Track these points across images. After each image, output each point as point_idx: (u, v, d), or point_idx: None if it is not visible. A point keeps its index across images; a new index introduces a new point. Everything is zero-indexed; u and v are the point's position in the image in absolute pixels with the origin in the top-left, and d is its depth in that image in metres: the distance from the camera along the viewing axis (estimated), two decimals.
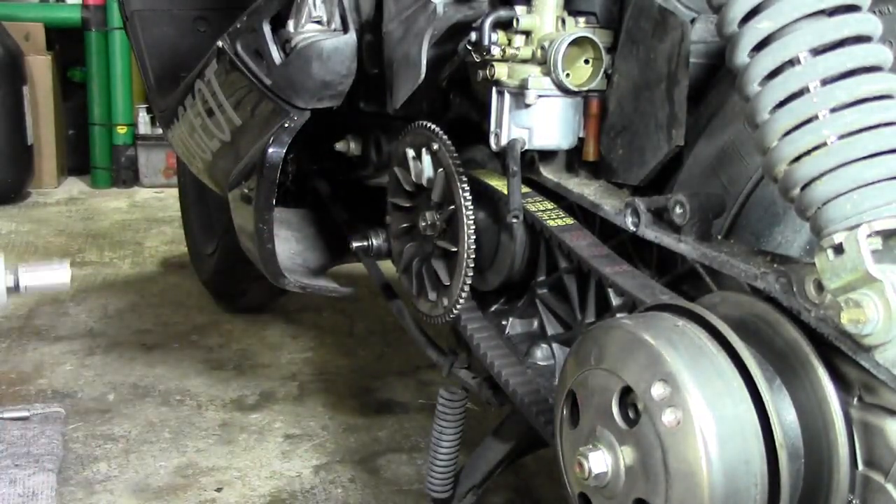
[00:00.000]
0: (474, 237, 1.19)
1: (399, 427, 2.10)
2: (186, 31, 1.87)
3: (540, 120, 1.13)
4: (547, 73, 1.11)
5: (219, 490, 1.82)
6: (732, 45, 0.79)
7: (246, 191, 1.48)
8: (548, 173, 1.19)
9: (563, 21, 1.12)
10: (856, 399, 0.78)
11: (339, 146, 1.60)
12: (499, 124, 1.16)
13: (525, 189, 1.20)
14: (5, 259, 0.78)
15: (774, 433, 0.76)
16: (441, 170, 1.22)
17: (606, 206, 1.07)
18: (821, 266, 0.74)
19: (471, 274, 1.20)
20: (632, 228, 1.01)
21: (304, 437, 2.05)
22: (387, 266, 1.54)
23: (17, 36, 3.90)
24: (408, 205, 1.34)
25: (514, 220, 1.12)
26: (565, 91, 1.12)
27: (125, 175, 4.20)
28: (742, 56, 0.78)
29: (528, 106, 1.12)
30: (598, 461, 0.82)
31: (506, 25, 1.13)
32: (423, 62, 1.20)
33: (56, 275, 0.88)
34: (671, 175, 1.08)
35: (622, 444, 0.81)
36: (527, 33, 1.13)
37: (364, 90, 1.42)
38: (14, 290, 0.83)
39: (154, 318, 2.69)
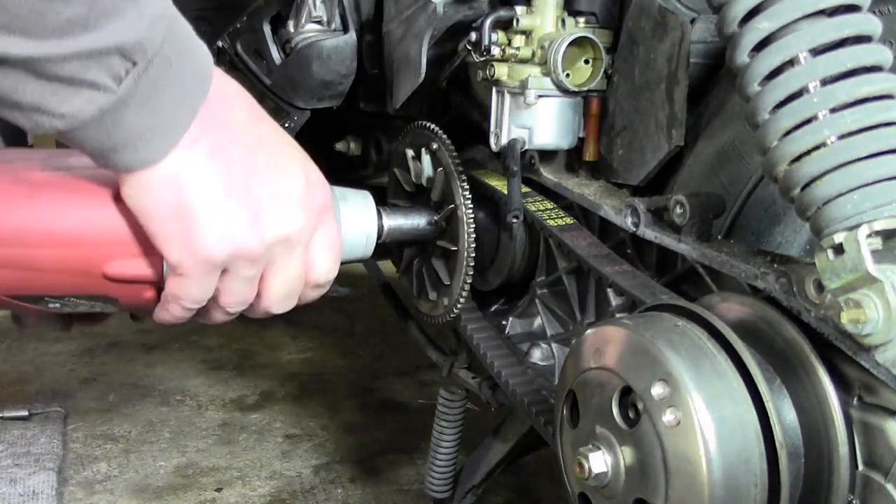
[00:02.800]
0: (474, 236, 1.19)
1: (399, 427, 2.11)
2: None
3: (540, 120, 1.13)
4: (547, 73, 1.11)
5: (219, 490, 1.83)
6: (732, 45, 0.79)
7: None
8: (548, 173, 1.19)
9: (563, 21, 1.12)
10: (856, 399, 0.78)
11: (339, 146, 1.60)
12: (499, 124, 1.16)
13: (525, 189, 1.20)
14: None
15: (774, 433, 0.76)
16: (440, 169, 1.22)
17: (606, 206, 1.07)
18: (821, 266, 0.74)
19: (471, 273, 1.20)
20: (632, 228, 1.01)
21: (304, 437, 2.05)
22: (387, 266, 1.54)
23: None
24: (408, 205, 1.34)
25: (515, 220, 1.12)
26: (565, 91, 1.12)
27: None
28: (742, 56, 0.78)
29: (528, 106, 1.12)
30: (598, 461, 0.82)
31: (506, 25, 1.13)
32: (423, 62, 1.20)
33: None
34: (671, 175, 1.08)
35: (622, 444, 0.81)
36: (527, 33, 1.13)
37: (364, 90, 1.43)
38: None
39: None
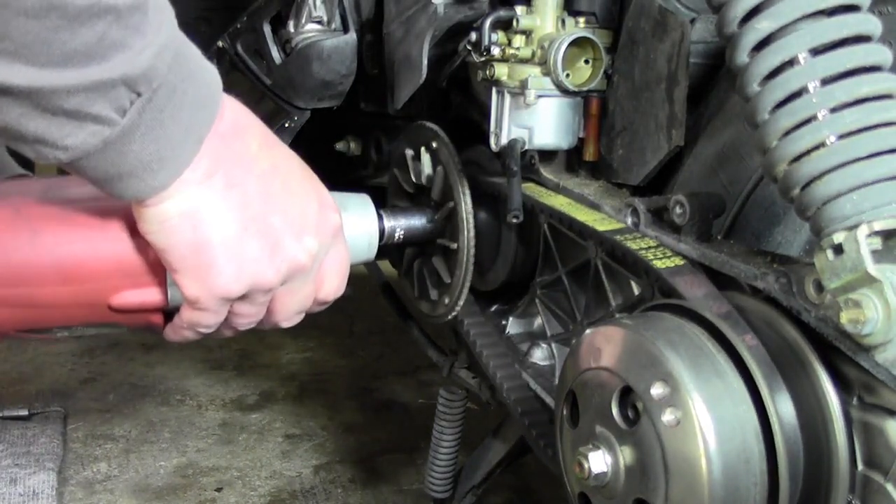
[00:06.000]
0: (474, 232, 1.19)
1: (399, 427, 2.11)
2: (187, 31, 1.87)
3: (540, 120, 1.13)
4: (547, 73, 1.11)
5: (219, 490, 1.83)
6: (732, 45, 0.79)
7: None
8: (548, 173, 1.19)
9: (563, 21, 1.12)
10: (856, 399, 0.78)
11: (339, 146, 1.60)
12: (499, 124, 1.16)
13: (616, 225, 1.02)
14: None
15: (774, 433, 0.76)
16: (440, 167, 1.22)
17: (606, 206, 1.07)
18: (821, 266, 0.74)
19: (471, 269, 1.20)
20: (632, 228, 1.01)
21: (304, 437, 2.06)
22: (387, 266, 1.54)
23: None
24: (408, 206, 1.34)
25: (515, 220, 1.12)
26: (565, 91, 1.12)
27: None
28: (742, 56, 0.78)
29: (528, 106, 1.12)
30: (598, 461, 0.82)
31: (506, 25, 1.13)
32: (425, 63, 1.20)
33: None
34: (671, 175, 1.08)
35: (622, 443, 0.81)
36: (527, 33, 1.13)
37: (364, 90, 1.43)
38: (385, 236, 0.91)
39: None
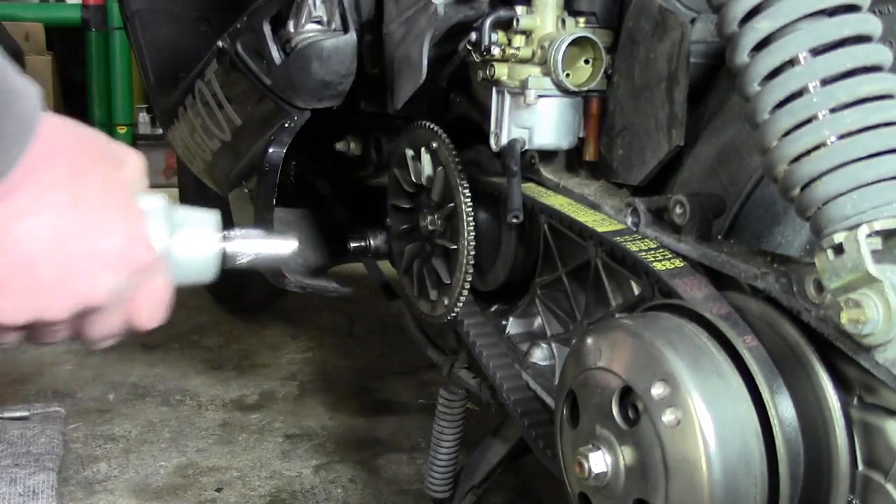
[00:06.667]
0: (474, 234, 1.19)
1: (399, 427, 2.10)
2: (186, 31, 1.87)
3: (540, 120, 1.13)
4: (547, 73, 1.11)
5: (219, 490, 1.82)
6: (732, 45, 0.79)
7: (246, 191, 1.48)
8: (548, 173, 1.19)
9: (563, 21, 1.12)
10: (856, 399, 0.78)
11: (339, 146, 1.60)
12: (499, 124, 1.16)
13: (617, 226, 1.03)
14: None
15: (774, 433, 0.76)
16: (440, 168, 1.22)
17: (606, 206, 1.07)
18: (821, 266, 0.74)
19: (471, 271, 1.20)
20: (632, 228, 1.01)
21: (304, 437, 2.05)
22: (387, 266, 1.54)
23: (17, 36, 3.91)
24: (408, 206, 1.34)
25: (515, 220, 1.12)
26: (565, 91, 1.12)
27: None
28: (742, 56, 0.78)
29: (528, 106, 1.12)
30: (598, 461, 0.82)
31: (506, 25, 1.13)
32: (425, 63, 1.20)
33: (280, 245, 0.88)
34: (671, 175, 1.08)
35: (622, 443, 0.81)
36: (527, 33, 1.13)
37: (364, 90, 1.43)
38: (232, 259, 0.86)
39: None
